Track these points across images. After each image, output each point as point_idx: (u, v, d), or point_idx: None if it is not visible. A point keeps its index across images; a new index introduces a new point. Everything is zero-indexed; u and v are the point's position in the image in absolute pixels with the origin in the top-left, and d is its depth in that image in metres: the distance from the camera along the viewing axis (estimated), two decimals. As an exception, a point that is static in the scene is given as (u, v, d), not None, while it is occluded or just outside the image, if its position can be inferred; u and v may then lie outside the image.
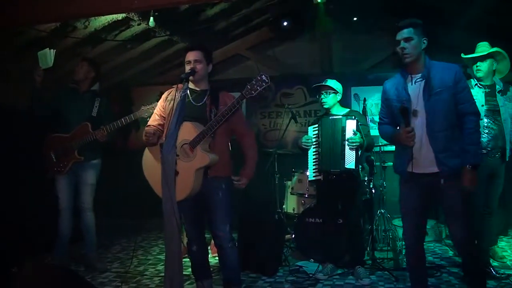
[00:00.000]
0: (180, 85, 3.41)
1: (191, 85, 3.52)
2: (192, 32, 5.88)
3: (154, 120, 3.66)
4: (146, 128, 3.55)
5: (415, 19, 3.20)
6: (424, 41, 3.18)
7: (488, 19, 5.26)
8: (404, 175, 3.30)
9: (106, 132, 4.38)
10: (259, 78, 3.18)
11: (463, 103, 3.12)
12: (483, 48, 4.25)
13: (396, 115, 3.31)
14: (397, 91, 3.28)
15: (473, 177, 3.08)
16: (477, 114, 3.15)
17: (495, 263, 4.55)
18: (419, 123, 3.17)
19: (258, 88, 3.18)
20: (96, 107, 4.61)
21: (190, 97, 3.49)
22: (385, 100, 3.42)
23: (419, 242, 3.36)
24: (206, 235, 3.76)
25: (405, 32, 3.16)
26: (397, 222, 5.85)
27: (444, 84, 3.11)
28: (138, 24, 5.16)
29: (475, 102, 3.18)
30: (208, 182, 3.44)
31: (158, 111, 3.64)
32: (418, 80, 3.21)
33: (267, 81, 3.16)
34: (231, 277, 3.59)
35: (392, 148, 5.96)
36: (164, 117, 3.57)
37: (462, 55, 4.31)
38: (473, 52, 4.32)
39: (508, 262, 4.63)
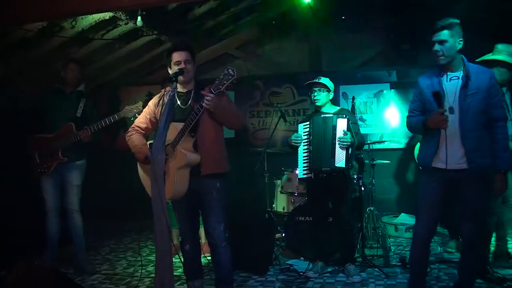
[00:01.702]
0: (168, 88, 3.40)
1: (178, 87, 3.51)
2: (180, 31, 5.85)
3: (141, 122, 3.64)
4: (143, 148, 3.52)
5: (451, 20, 3.21)
6: (460, 41, 3.21)
7: (481, 17, 5.30)
8: (427, 169, 3.38)
9: (90, 132, 4.35)
10: (226, 72, 3.19)
11: (495, 108, 3.20)
12: (501, 48, 4.18)
13: (428, 108, 3.35)
14: (432, 86, 3.31)
15: (503, 183, 3.25)
16: (505, 119, 3.28)
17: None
18: (453, 120, 3.22)
19: (225, 82, 3.19)
20: (81, 107, 4.57)
21: (178, 101, 3.49)
22: (419, 94, 3.45)
23: (428, 236, 3.43)
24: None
25: (439, 35, 3.20)
26: (386, 219, 5.89)
27: (479, 87, 3.18)
28: (126, 24, 5.12)
29: (504, 107, 3.34)
30: (202, 181, 3.43)
31: (148, 115, 3.62)
32: (454, 78, 3.27)
33: (233, 74, 3.17)
34: (223, 276, 3.59)
35: (381, 146, 6.08)
36: (154, 122, 3.57)
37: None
38: (464, 51, 4.33)
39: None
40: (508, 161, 3.20)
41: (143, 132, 3.64)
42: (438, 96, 3.22)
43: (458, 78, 3.24)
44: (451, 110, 3.23)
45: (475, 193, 3.23)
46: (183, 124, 3.34)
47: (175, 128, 3.34)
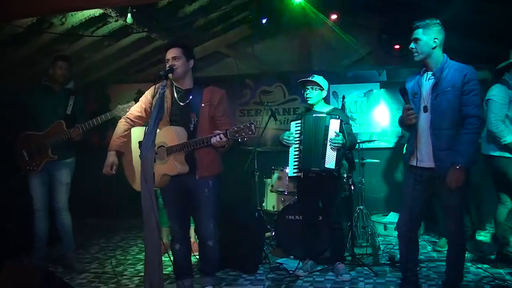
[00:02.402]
0: (167, 83, 3.41)
1: (175, 83, 3.53)
2: (170, 29, 5.83)
3: (136, 110, 3.68)
4: (115, 140, 3.66)
5: (428, 20, 3.31)
6: (435, 40, 3.28)
7: (471, 18, 5.33)
8: (407, 167, 3.50)
9: (81, 131, 4.32)
10: (248, 125, 3.19)
11: (466, 105, 3.19)
12: None
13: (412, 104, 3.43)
14: (413, 85, 3.45)
15: (457, 177, 3.16)
16: (478, 117, 3.19)
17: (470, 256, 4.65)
18: (426, 119, 3.33)
19: (243, 134, 3.19)
20: (70, 105, 4.54)
21: (176, 96, 3.50)
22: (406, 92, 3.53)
23: (411, 232, 3.50)
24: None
25: (414, 33, 3.33)
26: (376, 218, 5.92)
27: (452, 84, 3.22)
28: (116, 21, 5.09)
29: (480, 106, 3.23)
30: (194, 182, 3.49)
31: (144, 104, 3.65)
32: (431, 77, 3.35)
33: (253, 131, 3.18)
34: (207, 269, 3.71)
35: (371, 146, 6.11)
36: (149, 112, 3.59)
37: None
38: (452, 50, 4.37)
39: (487, 256, 4.69)
40: (464, 156, 3.15)
41: (134, 121, 3.68)
42: (403, 92, 3.37)
43: (433, 78, 3.34)
44: (425, 108, 3.34)
45: (448, 191, 3.25)
46: (183, 131, 3.40)
47: (175, 133, 3.38)
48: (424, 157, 3.34)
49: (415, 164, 3.38)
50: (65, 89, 4.61)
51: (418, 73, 3.48)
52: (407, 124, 3.40)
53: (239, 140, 3.22)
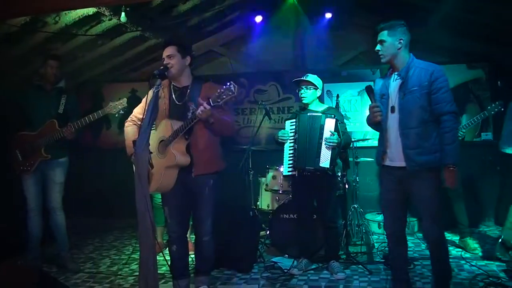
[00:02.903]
0: (165, 81, 3.41)
1: (173, 82, 3.52)
2: (164, 28, 5.82)
3: (138, 113, 3.65)
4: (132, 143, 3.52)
5: (393, 21, 3.34)
6: (401, 41, 3.30)
7: (464, 17, 5.35)
8: (380, 167, 3.52)
9: (74, 129, 4.31)
10: (227, 86, 3.18)
11: (437, 103, 3.20)
12: None
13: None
14: (381, 86, 3.48)
15: (452, 176, 3.18)
16: (453, 114, 3.20)
17: (467, 255, 4.68)
18: (394, 119, 3.34)
19: (224, 97, 3.20)
20: (62, 104, 4.53)
21: (174, 95, 3.50)
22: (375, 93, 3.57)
23: (398, 231, 3.50)
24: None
25: (379, 35, 3.35)
26: (370, 216, 5.94)
27: (418, 84, 3.24)
28: (109, 19, 5.07)
29: (452, 102, 3.21)
30: (196, 179, 3.48)
31: (145, 106, 3.60)
32: (397, 78, 3.36)
33: (233, 91, 3.18)
34: (201, 266, 3.70)
35: (365, 144, 6.12)
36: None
37: None
38: (445, 49, 4.39)
39: (480, 254, 4.76)
40: (451, 155, 3.16)
41: (140, 123, 3.62)
42: (369, 91, 3.46)
43: (399, 78, 3.35)
44: (393, 109, 3.36)
45: (420, 190, 3.28)
46: (179, 122, 3.37)
47: (170, 126, 3.37)
48: (395, 157, 3.35)
49: (387, 164, 3.42)
50: (57, 88, 4.59)
51: (386, 75, 3.52)
52: (374, 122, 3.46)
53: (222, 102, 3.21)
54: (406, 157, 3.27)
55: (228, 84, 3.18)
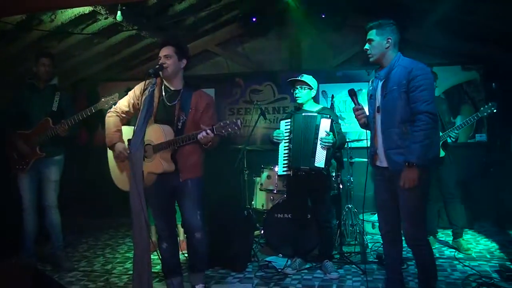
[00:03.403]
0: (157, 81, 3.41)
1: (165, 82, 3.52)
2: (160, 27, 5.82)
3: (124, 105, 3.63)
4: (114, 134, 3.57)
5: (382, 20, 3.31)
6: (389, 40, 3.27)
7: (459, 18, 5.39)
8: (372, 168, 3.52)
9: (67, 126, 4.30)
10: (234, 122, 3.21)
11: (414, 102, 3.12)
12: None
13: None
14: (371, 87, 3.48)
15: (410, 176, 3.07)
16: (428, 113, 3.08)
17: (460, 255, 4.71)
18: (379, 119, 3.33)
19: (229, 130, 3.22)
20: (56, 101, 4.53)
21: (164, 96, 3.49)
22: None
23: (391, 233, 3.46)
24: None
25: (368, 34, 3.34)
26: (364, 216, 5.95)
27: (397, 83, 3.19)
28: (105, 18, 5.07)
29: (430, 102, 3.11)
30: (181, 183, 3.49)
31: (132, 100, 3.61)
32: (382, 77, 3.34)
33: (239, 127, 3.21)
34: (198, 263, 3.68)
35: (359, 144, 6.14)
36: (136, 108, 3.57)
37: None
38: (440, 50, 4.41)
39: (473, 254, 4.79)
40: (414, 153, 3.05)
41: (124, 115, 3.66)
42: (351, 94, 3.49)
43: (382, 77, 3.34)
44: (378, 109, 3.34)
45: (403, 191, 3.18)
46: (170, 130, 3.40)
47: (161, 131, 3.38)
48: (382, 157, 3.33)
49: (377, 165, 3.41)
50: (50, 85, 4.59)
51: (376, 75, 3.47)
52: (360, 124, 3.50)
53: (225, 135, 3.24)
54: (387, 157, 3.27)
55: (236, 119, 3.22)
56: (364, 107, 3.49)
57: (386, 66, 3.32)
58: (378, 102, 3.34)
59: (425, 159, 3.08)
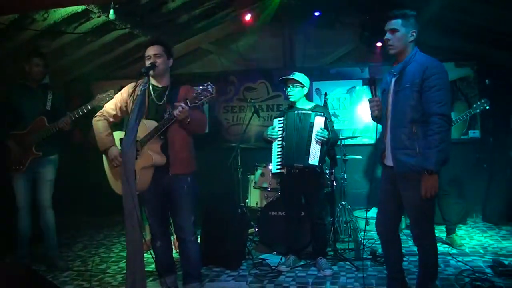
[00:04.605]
0: (141, 81, 3.40)
1: (153, 81, 3.53)
2: (153, 25, 5.80)
3: (111, 109, 3.64)
4: (105, 138, 3.56)
5: (407, 10, 3.13)
6: (413, 33, 3.12)
7: (453, 16, 5.40)
8: (380, 165, 3.40)
9: (70, 120, 4.31)
10: (204, 87, 3.21)
11: (427, 102, 2.98)
12: None
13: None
14: (385, 81, 3.31)
15: (429, 184, 2.96)
16: (442, 115, 2.94)
17: (454, 251, 4.74)
18: (389, 117, 3.21)
19: (202, 97, 3.23)
20: (49, 100, 4.52)
21: (153, 95, 3.50)
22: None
23: (388, 231, 3.40)
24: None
25: (391, 23, 3.13)
26: (358, 213, 5.97)
27: (411, 80, 3.04)
28: (98, 17, 5.04)
29: (444, 103, 2.96)
30: (171, 179, 3.48)
31: (119, 102, 3.62)
32: (394, 73, 3.20)
33: (211, 91, 3.20)
34: (191, 270, 3.66)
35: (353, 142, 6.17)
36: (124, 111, 3.60)
37: None
38: (434, 47, 4.40)
39: (466, 250, 4.83)
40: (429, 160, 2.92)
41: (111, 119, 3.66)
42: (371, 83, 3.32)
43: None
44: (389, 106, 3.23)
45: (406, 192, 3.13)
46: (154, 123, 3.38)
47: (145, 126, 3.38)
48: (389, 156, 3.21)
49: (385, 163, 3.31)
50: (42, 84, 4.58)
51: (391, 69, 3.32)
52: (373, 116, 3.35)
53: (200, 103, 3.24)
54: (393, 157, 3.14)
55: (205, 84, 3.21)
56: (380, 100, 3.30)
57: (401, 61, 3.16)
58: (389, 99, 3.20)
59: (442, 163, 2.96)
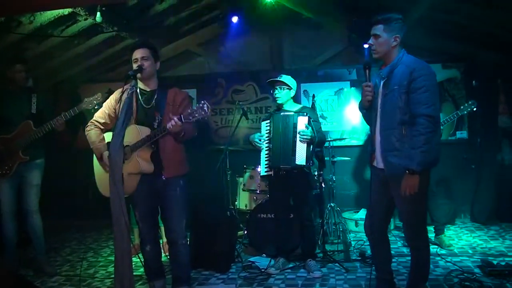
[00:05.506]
0: (127, 85, 3.38)
1: (140, 85, 3.52)
2: (141, 27, 5.78)
3: (100, 117, 3.64)
4: (99, 145, 3.55)
5: (390, 15, 3.15)
6: (396, 38, 3.14)
7: (440, 17, 5.43)
8: (370, 167, 3.39)
9: (64, 120, 4.27)
10: (201, 105, 3.21)
11: (414, 104, 2.99)
12: None
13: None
14: (375, 83, 3.31)
15: (411, 184, 2.98)
16: (427, 116, 2.95)
17: (442, 251, 4.76)
18: (378, 119, 3.22)
19: (196, 115, 3.22)
20: (34, 103, 4.47)
21: (141, 99, 3.49)
22: None
23: (377, 233, 3.41)
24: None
25: (374, 29, 3.17)
26: (347, 215, 6.00)
27: (398, 83, 3.05)
28: (85, 19, 5.02)
29: (431, 104, 2.97)
30: (165, 183, 3.49)
31: (108, 110, 3.62)
32: (384, 76, 3.22)
33: (207, 111, 3.20)
34: (181, 274, 3.65)
35: (341, 143, 6.17)
36: (113, 118, 3.58)
37: None
38: (421, 48, 4.42)
39: (455, 250, 4.86)
40: (414, 160, 2.94)
41: (102, 127, 3.65)
42: (365, 67, 3.27)
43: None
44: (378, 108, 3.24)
45: (397, 194, 3.11)
46: (148, 130, 3.39)
47: (138, 132, 3.38)
48: (379, 158, 3.22)
49: (374, 165, 3.31)
50: (26, 88, 4.54)
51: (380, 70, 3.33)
52: (364, 102, 3.27)
53: (194, 120, 3.24)
54: (383, 159, 3.15)
55: (202, 103, 3.21)
56: (373, 85, 3.25)
57: (389, 64, 3.19)
58: (379, 101, 3.21)
59: (426, 164, 2.99)
